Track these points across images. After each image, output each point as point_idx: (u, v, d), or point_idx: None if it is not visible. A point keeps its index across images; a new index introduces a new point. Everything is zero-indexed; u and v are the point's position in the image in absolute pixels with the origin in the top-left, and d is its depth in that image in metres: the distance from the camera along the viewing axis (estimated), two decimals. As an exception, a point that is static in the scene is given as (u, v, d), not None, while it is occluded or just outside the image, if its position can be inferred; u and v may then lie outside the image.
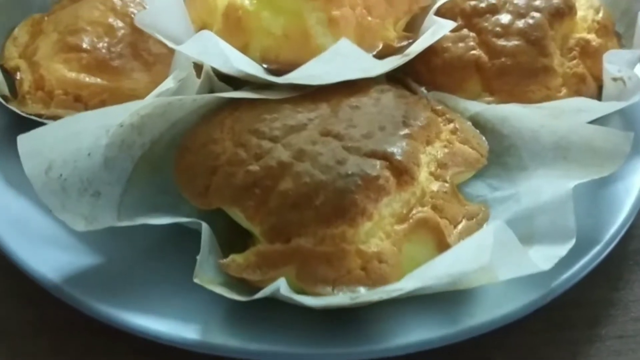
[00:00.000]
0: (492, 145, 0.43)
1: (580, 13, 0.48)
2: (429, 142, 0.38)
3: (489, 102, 0.45)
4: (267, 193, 0.35)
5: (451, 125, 0.41)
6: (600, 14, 0.49)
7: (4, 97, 0.45)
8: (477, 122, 0.44)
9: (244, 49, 0.41)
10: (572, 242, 0.35)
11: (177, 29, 0.41)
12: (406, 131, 0.37)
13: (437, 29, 0.40)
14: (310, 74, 0.36)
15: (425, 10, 0.45)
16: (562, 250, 0.35)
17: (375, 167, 0.34)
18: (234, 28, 0.41)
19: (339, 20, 0.39)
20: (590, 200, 0.41)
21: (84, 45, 0.45)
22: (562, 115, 0.41)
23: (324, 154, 0.35)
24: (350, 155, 0.35)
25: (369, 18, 0.41)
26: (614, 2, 0.51)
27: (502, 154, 0.43)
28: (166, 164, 0.41)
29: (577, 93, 0.46)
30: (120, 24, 0.47)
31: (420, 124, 0.39)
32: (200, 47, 0.37)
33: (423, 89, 0.45)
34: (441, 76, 0.46)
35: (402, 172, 0.35)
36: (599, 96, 0.47)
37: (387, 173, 0.35)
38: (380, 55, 0.42)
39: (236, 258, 0.34)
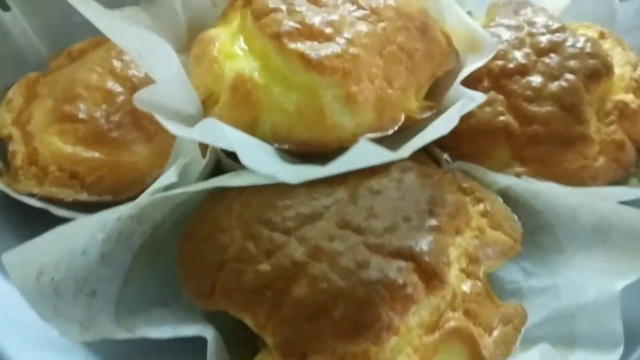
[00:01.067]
0: (524, 222, 0.39)
1: (616, 71, 0.44)
2: (458, 232, 0.35)
3: (518, 173, 0.42)
4: (279, 298, 0.31)
5: (481, 207, 0.38)
6: (638, 71, 0.45)
7: (-6, 170, 0.42)
8: (507, 196, 0.40)
9: (253, 123, 0.38)
10: (620, 350, 0.32)
11: (182, 102, 0.38)
12: (433, 222, 0.34)
13: (465, 104, 0.36)
14: (327, 173, 0.32)
15: (449, 74, 0.41)
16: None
17: (402, 271, 0.31)
18: (243, 101, 0.38)
19: (358, 96, 0.36)
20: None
21: (81, 115, 0.42)
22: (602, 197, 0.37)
23: (343, 253, 0.32)
24: (373, 256, 0.31)
25: (390, 90, 0.37)
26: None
27: (535, 232, 0.40)
28: (168, 250, 0.37)
29: (616, 161, 0.42)
30: (119, 88, 0.43)
31: (448, 212, 0.35)
32: (206, 134, 0.34)
33: (447, 156, 0.42)
34: (467, 142, 0.43)
35: (432, 276, 0.31)
36: (638, 159, 0.43)
37: (414, 278, 0.31)
38: (401, 128, 0.38)
39: None
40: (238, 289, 0.32)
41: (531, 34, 0.44)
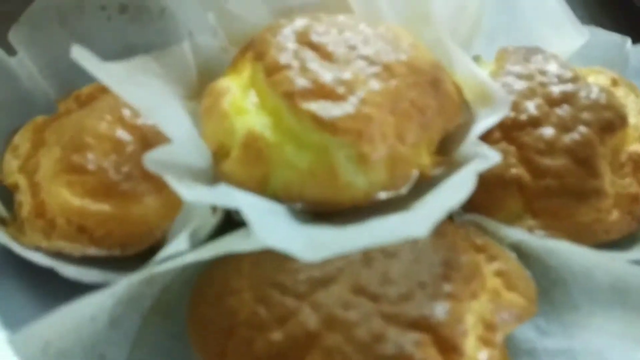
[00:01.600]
0: (537, 277, 0.39)
1: (630, 120, 0.44)
2: (474, 296, 0.34)
3: (530, 226, 0.41)
4: (293, 370, 0.31)
5: (495, 265, 0.37)
6: (652, 121, 0.45)
7: (1, 220, 0.42)
8: (520, 250, 0.40)
9: (263, 180, 0.37)
10: None
11: (193, 158, 0.38)
12: (449, 288, 0.33)
13: (479, 164, 0.35)
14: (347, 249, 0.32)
15: (460, 127, 0.41)
16: None
17: (419, 345, 0.30)
18: (254, 159, 0.37)
19: (370, 156, 0.35)
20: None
21: (89, 166, 0.41)
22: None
23: (358, 323, 0.31)
24: (389, 327, 0.31)
25: (402, 147, 0.37)
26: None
27: (548, 289, 0.39)
28: (179, 310, 0.37)
29: (630, 214, 0.42)
30: (128, 137, 0.43)
31: (463, 276, 0.34)
32: (217, 198, 0.34)
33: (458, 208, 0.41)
34: (478, 193, 0.41)
35: (449, 348, 0.31)
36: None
37: (431, 351, 0.30)
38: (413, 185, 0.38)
39: None
40: (249, 358, 0.32)
41: (543, 84, 0.44)
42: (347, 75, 0.37)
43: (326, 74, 0.37)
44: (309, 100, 0.36)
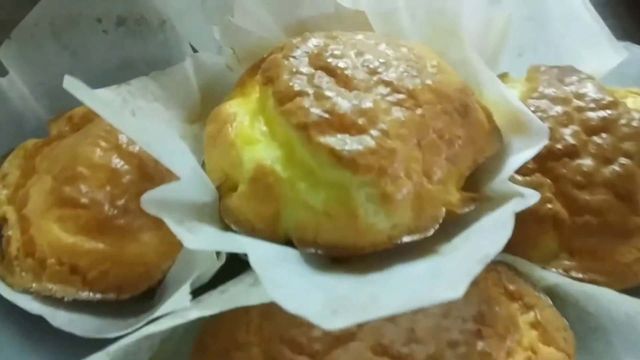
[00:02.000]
0: (574, 324, 0.35)
1: (674, 149, 0.40)
2: (509, 354, 0.31)
3: (567, 267, 0.38)
4: None
5: (531, 315, 0.34)
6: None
7: (-11, 257, 0.38)
8: (556, 294, 0.36)
9: (274, 218, 0.34)
10: None
11: (197, 194, 0.34)
12: (482, 346, 0.30)
13: (516, 206, 0.32)
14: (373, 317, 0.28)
15: (492, 157, 0.37)
16: None
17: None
18: (264, 195, 0.33)
19: (394, 195, 0.32)
20: None
21: (82, 200, 0.38)
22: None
23: (381, 392, 0.28)
24: (417, 397, 0.27)
25: (429, 185, 0.33)
26: None
27: (586, 337, 0.36)
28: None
29: (675, 253, 0.38)
30: (125, 166, 0.39)
31: (498, 332, 0.31)
32: (223, 245, 0.30)
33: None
34: None
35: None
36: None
37: None
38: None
39: None
40: None
41: (579, 109, 0.40)
42: (367, 103, 0.33)
43: (344, 103, 0.33)
44: (325, 133, 0.32)
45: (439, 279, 0.28)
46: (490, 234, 0.31)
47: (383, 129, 0.32)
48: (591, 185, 0.38)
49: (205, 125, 0.42)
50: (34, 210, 0.39)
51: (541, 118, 0.40)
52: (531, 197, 0.32)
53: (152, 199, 0.31)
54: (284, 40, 0.39)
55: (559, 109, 0.40)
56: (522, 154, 0.35)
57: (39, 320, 0.35)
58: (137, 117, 0.37)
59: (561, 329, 0.34)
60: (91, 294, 0.36)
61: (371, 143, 0.32)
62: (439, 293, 0.25)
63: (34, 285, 0.36)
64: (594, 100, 0.40)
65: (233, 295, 0.31)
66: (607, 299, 0.35)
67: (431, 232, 0.33)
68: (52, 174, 0.40)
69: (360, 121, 0.32)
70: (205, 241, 0.30)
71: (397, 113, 0.34)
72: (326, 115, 0.33)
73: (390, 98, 0.34)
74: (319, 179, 0.32)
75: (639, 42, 0.50)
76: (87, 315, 0.35)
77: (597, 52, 0.45)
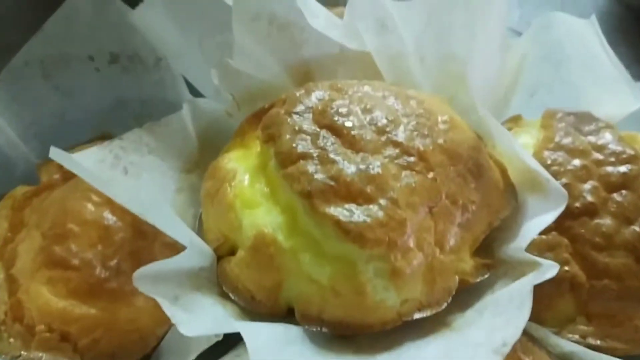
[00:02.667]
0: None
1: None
2: None
3: (584, 332, 0.36)
4: None
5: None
6: None
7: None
8: (572, 362, 0.34)
9: (275, 288, 0.32)
10: None
11: (193, 261, 0.32)
12: None
13: (535, 278, 0.30)
14: None
15: (506, 219, 0.35)
16: None
17: None
18: (264, 264, 0.31)
19: (405, 270, 0.30)
20: None
21: (73, 261, 0.36)
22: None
23: None
24: None
25: (441, 256, 0.31)
26: None
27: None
28: None
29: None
30: (118, 223, 0.37)
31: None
32: (220, 328, 0.28)
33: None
34: None
35: None
36: None
37: None
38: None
39: None
40: None
41: (599, 162, 0.38)
42: (375, 168, 0.31)
43: (351, 168, 0.31)
44: (330, 203, 0.30)
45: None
46: (506, 311, 0.29)
47: (392, 197, 0.30)
48: (611, 247, 0.36)
49: (203, 174, 0.40)
50: (22, 271, 0.37)
51: (558, 172, 0.38)
52: (549, 270, 0.30)
53: (145, 276, 0.29)
54: (286, 93, 0.37)
55: (577, 162, 0.38)
56: (539, 220, 0.33)
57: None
58: (130, 174, 0.35)
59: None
60: (82, 364, 0.34)
61: (380, 214, 0.30)
62: None
63: (22, 353, 0.34)
64: (613, 154, 0.38)
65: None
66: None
67: (444, 306, 0.31)
68: (42, 230, 0.37)
69: (369, 189, 0.30)
70: (201, 326, 0.28)
71: (408, 178, 0.31)
72: (332, 183, 0.30)
73: (399, 161, 0.32)
74: (324, 251, 0.30)
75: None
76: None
77: (616, 95, 0.43)
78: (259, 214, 0.33)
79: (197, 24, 0.44)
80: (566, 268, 0.36)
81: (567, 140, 0.39)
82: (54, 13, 0.44)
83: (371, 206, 0.30)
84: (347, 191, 0.30)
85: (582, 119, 0.41)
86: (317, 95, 0.35)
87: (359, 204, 0.30)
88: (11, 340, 0.35)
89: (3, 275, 0.37)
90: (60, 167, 0.43)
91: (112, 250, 0.36)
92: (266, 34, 0.42)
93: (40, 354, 0.34)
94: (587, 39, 0.43)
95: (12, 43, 0.45)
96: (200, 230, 0.37)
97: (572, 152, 0.39)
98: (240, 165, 0.36)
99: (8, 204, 0.41)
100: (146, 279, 0.29)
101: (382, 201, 0.30)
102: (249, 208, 0.33)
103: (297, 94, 0.36)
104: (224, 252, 0.35)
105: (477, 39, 0.39)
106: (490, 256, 0.34)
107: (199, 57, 0.45)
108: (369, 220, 0.30)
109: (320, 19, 0.41)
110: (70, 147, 0.45)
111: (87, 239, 0.37)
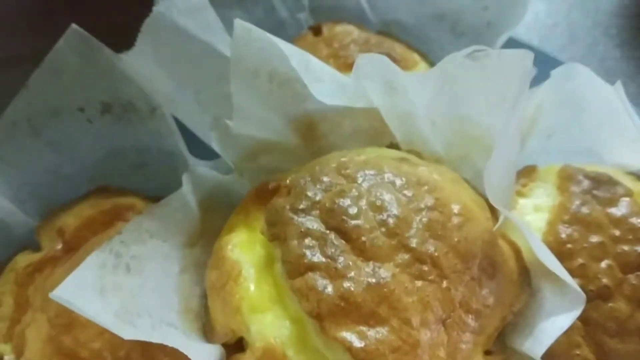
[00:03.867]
0: None
1: None
2: None
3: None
4: None
5: None
6: None
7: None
8: None
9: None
10: None
11: None
12: None
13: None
14: None
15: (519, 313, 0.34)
16: None
17: None
18: (275, 376, 0.31)
19: (417, 392, 0.29)
20: None
21: (82, 352, 0.36)
22: None
23: None
24: None
25: (454, 366, 0.31)
26: None
27: None
28: None
29: None
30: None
31: None
32: None
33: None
34: None
35: None
36: None
37: None
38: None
39: None
40: None
41: (615, 239, 0.37)
42: (387, 281, 0.30)
43: (361, 284, 0.30)
44: (341, 325, 0.29)
45: None
46: None
47: (405, 317, 0.30)
48: (623, 333, 0.35)
49: (206, 245, 0.39)
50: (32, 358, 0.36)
51: (574, 250, 0.37)
52: None
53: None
54: (290, 178, 0.35)
55: (593, 239, 0.37)
56: (556, 322, 0.32)
57: None
58: (132, 272, 0.34)
59: None
60: None
61: (393, 338, 0.29)
62: None
63: None
64: (631, 230, 0.37)
65: None
66: None
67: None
68: (48, 316, 0.37)
69: (380, 310, 0.29)
70: None
71: (422, 289, 0.30)
72: (342, 304, 0.29)
73: (412, 270, 0.31)
74: (335, 371, 0.30)
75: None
76: None
77: (632, 147, 0.41)
78: (267, 321, 0.32)
79: (191, 74, 0.42)
80: (577, 352, 0.36)
81: (583, 211, 0.38)
82: (38, 68, 0.41)
83: (383, 328, 0.29)
84: (357, 312, 0.29)
85: (599, 183, 0.39)
86: (323, 186, 0.33)
87: (370, 326, 0.29)
88: None
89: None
90: (60, 235, 0.42)
91: (120, 339, 0.36)
92: (267, 90, 0.39)
93: None
94: (609, 94, 0.41)
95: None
96: (206, 314, 0.37)
97: (589, 226, 0.37)
98: (246, 258, 0.34)
99: (11, 278, 0.40)
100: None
101: (395, 322, 0.29)
102: (256, 313, 0.32)
103: (302, 183, 0.34)
104: (233, 348, 0.34)
105: (496, 107, 0.36)
106: (501, 348, 0.34)
107: (194, 106, 0.43)
108: (381, 346, 0.29)
109: (325, 82, 0.38)
110: (66, 204, 0.44)
111: (94, 328, 0.36)
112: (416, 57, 0.54)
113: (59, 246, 0.41)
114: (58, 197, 0.44)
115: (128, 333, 0.30)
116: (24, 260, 0.41)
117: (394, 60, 0.51)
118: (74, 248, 0.41)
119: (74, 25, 0.40)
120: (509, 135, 0.33)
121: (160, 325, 0.32)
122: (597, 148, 0.44)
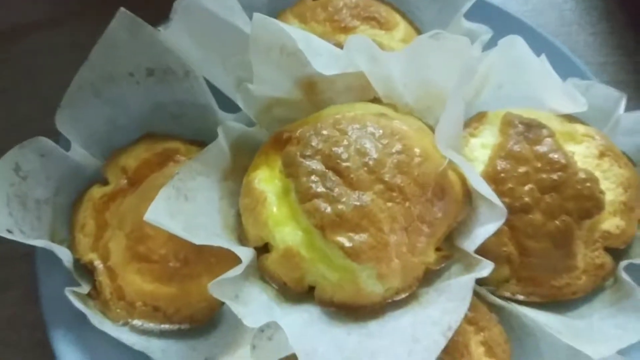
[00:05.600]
0: (515, 328, 0.50)
1: (608, 197, 0.51)
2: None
3: (514, 290, 0.51)
4: None
5: (481, 336, 0.48)
6: (628, 193, 0.52)
7: (88, 294, 0.52)
8: (503, 311, 0.51)
9: (300, 279, 0.46)
10: None
11: (246, 264, 0.46)
12: None
13: (477, 274, 0.44)
14: None
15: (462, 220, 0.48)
16: None
17: None
18: (292, 266, 0.46)
19: (388, 274, 0.44)
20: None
21: (153, 256, 0.50)
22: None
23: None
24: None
25: (413, 258, 0.45)
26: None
27: (523, 338, 0.51)
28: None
29: (595, 276, 0.51)
30: (181, 225, 0.51)
31: (454, 358, 0.46)
32: (269, 317, 0.43)
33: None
34: None
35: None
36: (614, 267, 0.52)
37: None
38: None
39: None
40: None
41: (537, 170, 0.50)
42: (367, 204, 0.44)
43: (350, 205, 0.44)
44: (336, 233, 0.43)
45: (417, 344, 0.42)
46: (455, 299, 0.44)
47: (379, 226, 0.44)
48: (537, 236, 0.49)
49: (237, 179, 0.53)
50: (117, 264, 0.51)
51: (506, 178, 0.50)
52: (486, 267, 0.45)
53: (215, 284, 0.43)
54: (299, 130, 0.48)
55: (520, 169, 0.50)
56: (486, 228, 0.46)
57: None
58: (189, 200, 0.47)
59: (502, 343, 0.49)
60: (171, 325, 0.51)
61: (370, 240, 0.43)
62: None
63: (128, 320, 0.51)
64: (549, 162, 0.50)
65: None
66: (537, 317, 0.49)
67: (414, 289, 0.46)
68: (125, 232, 0.51)
69: (363, 223, 0.43)
70: (256, 319, 0.43)
71: (392, 209, 0.44)
72: (337, 219, 0.43)
73: (385, 196, 0.44)
74: (333, 263, 0.45)
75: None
76: (173, 340, 0.50)
77: (561, 97, 0.54)
78: (286, 231, 0.46)
79: (217, 45, 0.53)
80: (504, 249, 0.50)
81: (516, 149, 0.51)
82: (97, 43, 0.52)
83: (365, 235, 0.44)
84: (348, 224, 0.44)
85: (531, 128, 0.52)
86: (323, 138, 0.46)
87: (356, 233, 0.44)
88: (118, 310, 0.51)
89: (103, 267, 0.52)
90: (124, 172, 0.55)
91: (179, 246, 0.50)
92: (278, 60, 0.51)
93: (141, 322, 0.50)
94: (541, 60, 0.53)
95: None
96: (240, 227, 0.51)
97: (518, 160, 0.50)
98: (268, 188, 0.48)
99: (90, 206, 0.54)
100: (216, 286, 0.43)
101: (372, 230, 0.44)
102: (279, 226, 0.46)
103: (308, 135, 0.47)
104: (262, 251, 0.49)
105: (450, 74, 0.48)
106: (449, 246, 0.49)
107: (221, 69, 0.54)
108: (364, 246, 0.43)
109: (323, 56, 0.50)
110: (123, 148, 0.57)
111: (160, 239, 0.50)
112: (397, 17, 0.64)
113: (124, 181, 0.54)
114: (116, 142, 0.57)
115: (196, 240, 0.44)
116: (97, 192, 0.55)
117: (379, 22, 0.62)
118: (137, 182, 0.54)
119: (122, 9, 0.51)
120: (457, 97, 0.46)
121: (212, 236, 0.46)
122: (538, 96, 0.56)
